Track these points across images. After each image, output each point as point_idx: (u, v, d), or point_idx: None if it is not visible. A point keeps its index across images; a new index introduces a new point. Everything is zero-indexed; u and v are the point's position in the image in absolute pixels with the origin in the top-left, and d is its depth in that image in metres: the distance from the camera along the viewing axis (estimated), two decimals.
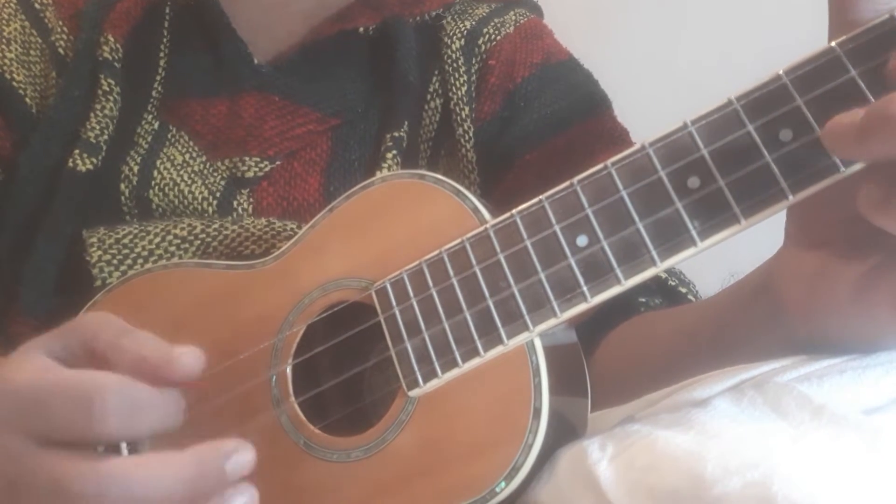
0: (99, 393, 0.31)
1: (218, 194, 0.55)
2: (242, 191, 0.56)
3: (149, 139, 0.57)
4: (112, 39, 0.57)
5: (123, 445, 0.34)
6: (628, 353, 0.50)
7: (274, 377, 0.42)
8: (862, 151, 0.30)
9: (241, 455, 0.33)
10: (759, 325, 0.39)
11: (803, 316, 0.36)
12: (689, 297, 0.53)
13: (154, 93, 0.58)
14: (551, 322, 0.37)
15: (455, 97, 0.58)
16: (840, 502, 0.28)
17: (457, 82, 0.58)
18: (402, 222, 0.41)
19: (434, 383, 0.38)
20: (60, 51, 0.58)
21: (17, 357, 0.35)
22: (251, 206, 0.55)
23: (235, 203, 0.55)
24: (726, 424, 0.33)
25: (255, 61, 0.59)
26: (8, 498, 0.32)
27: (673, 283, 0.53)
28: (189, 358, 0.34)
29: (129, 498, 0.30)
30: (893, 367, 0.34)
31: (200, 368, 0.34)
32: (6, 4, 0.59)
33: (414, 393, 0.39)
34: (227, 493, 0.33)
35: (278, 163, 0.57)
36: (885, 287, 0.33)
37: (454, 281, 0.38)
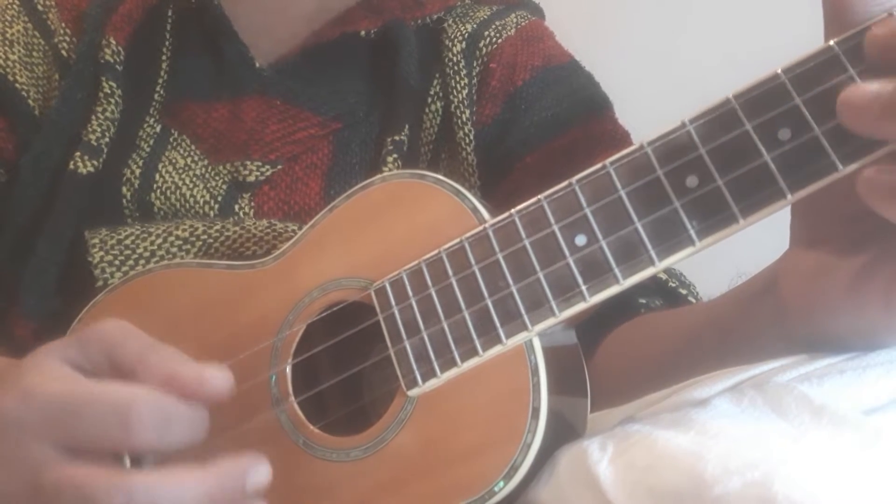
0: (135, 405, 0.32)
1: (219, 198, 0.56)
2: (244, 195, 0.56)
3: (150, 142, 0.57)
4: (114, 42, 0.57)
5: (126, 458, 0.34)
6: (629, 354, 0.50)
7: (273, 377, 0.42)
8: (888, 129, 0.29)
9: (259, 472, 0.33)
10: (762, 325, 0.39)
11: (802, 313, 0.36)
12: (690, 298, 0.53)
13: (156, 96, 0.58)
14: (550, 321, 0.37)
15: (456, 100, 0.58)
16: (840, 502, 0.28)
17: (458, 85, 0.58)
18: (402, 222, 0.41)
19: (433, 383, 0.38)
20: (63, 53, 0.58)
21: (35, 365, 0.34)
22: (252, 210, 0.56)
23: (237, 207, 0.55)
24: (726, 424, 0.33)
25: (257, 65, 0.59)
26: None
27: (673, 285, 0.53)
28: (221, 381, 0.34)
29: None
30: (893, 366, 0.34)
31: (231, 390, 0.34)
32: (9, 6, 0.59)
33: (413, 392, 0.39)
34: None
35: (280, 167, 0.57)
36: (877, 281, 0.33)
37: (453, 280, 0.38)
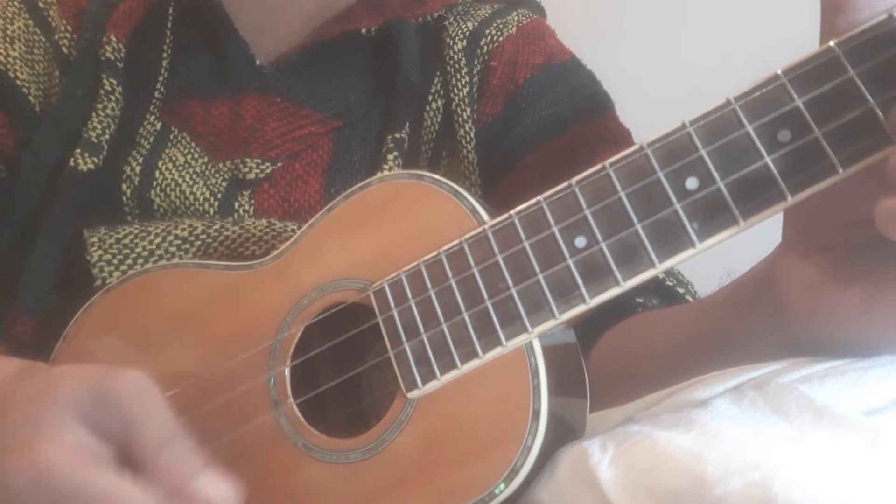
0: None
1: (219, 195, 0.55)
2: (244, 192, 0.56)
3: (151, 140, 0.57)
4: (114, 39, 0.57)
5: None
6: (625, 353, 0.50)
7: (272, 378, 0.42)
8: None
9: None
10: (759, 328, 0.39)
11: (808, 321, 0.36)
12: (687, 297, 0.53)
13: (156, 93, 0.58)
14: (550, 323, 0.36)
15: (457, 98, 0.58)
16: (841, 503, 0.27)
17: (458, 83, 0.58)
18: (401, 223, 0.41)
19: (433, 385, 0.38)
20: (64, 49, 0.58)
21: (52, 421, 0.33)
22: (252, 207, 0.56)
23: (237, 204, 0.55)
24: (727, 425, 0.33)
25: (258, 62, 0.59)
26: None
27: (671, 284, 0.53)
28: (226, 499, 0.33)
29: None
30: (895, 368, 0.33)
31: None
32: (10, 3, 0.59)
33: (413, 394, 0.39)
34: None
35: (280, 164, 0.57)
36: (890, 294, 0.32)
37: (452, 282, 0.38)
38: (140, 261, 0.51)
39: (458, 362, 0.38)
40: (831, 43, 0.32)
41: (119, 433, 0.34)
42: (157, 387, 0.34)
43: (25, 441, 0.33)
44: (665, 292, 0.53)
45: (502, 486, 0.36)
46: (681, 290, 0.53)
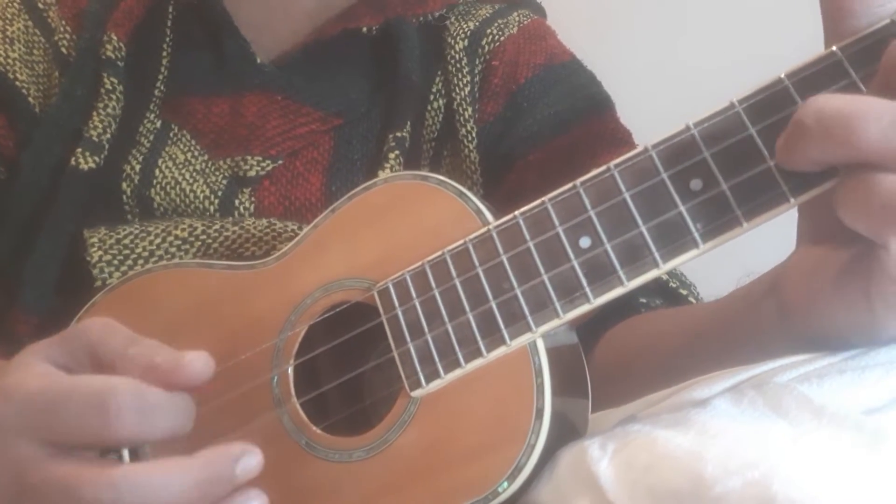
0: (113, 395, 0.31)
1: (220, 193, 0.55)
2: (244, 190, 0.56)
3: (151, 138, 0.57)
4: (115, 38, 0.57)
5: (125, 452, 0.34)
6: (629, 351, 0.50)
7: (275, 378, 0.42)
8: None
9: (249, 458, 0.33)
10: (765, 324, 0.39)
11: (801, 311, 0.36)
12: (690, 299, 0.53)
13: (157, 91, 0.58)
14: (554, 323, 0.37)
15: (458, 98, 0.58)
16: (840, 502, 0.28)
17: (460, 83, 0.58)
18: (405, 223, 0.41)
19: (436, 384, 0.38)
20: (63, 50, 0.58)
21: (18, 364, 0.34)
22: (253, 205, 0.56)
23: (237, 202, 0.55)
24: (726, 424, 0.33)
25: (258, 60, 0.59)
26: None
27: (674, 285, 0.53)
28: (199, 363, 0.34)
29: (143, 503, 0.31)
30: (894, 367, 0.34)
31: (210, 373, 0.34)
32: (9, 4, 0.59)
33: (416, 393, 0.39)
34: (236, 497, 0.33)
35: (280, 162, 0.57)
36: (858, 280, 0.33)
37: (457, 282, 0.38)
38: (140, 261, 0.51)
39: (462, 361, 0.38)
40: (834, 47, 0.32)
41: (86, 361, 0.34)
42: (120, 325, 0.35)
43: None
44: (668, 294, 0.53)
45: (505, 484, 0.36)
46: (684, 292, 0.53)
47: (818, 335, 0.36)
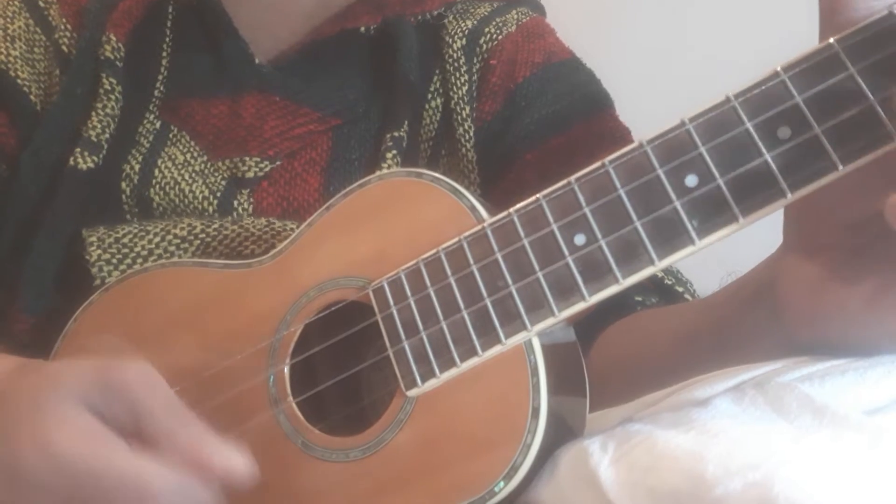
0: (160, 489, 0.32)
1: (218, 194, 0.55)
2: (243, 191, 0.56)
3: (150, 138, 0.57)
4: (114, 38, 0.57)
5: None
6: (625, 351, 0.50)
7: (272, 377, 0.42)
8: None
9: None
10: (759, 328, 0.39)
11: (807, 320, 0.36)
12: (686, 296, 0.53)
13: (156, 92, 0.58)
14: (549, 322, 0.36)
15: (456, 97, 0.58)
16: (841, 503, 0.27)
17: (458, 82, 0.58)
18: (400, 221, 0.41)
19: (432, 383, 0.38)
20: (64, 48, 0.58)
21: (55, 410, 0.33)
22: (251, 205, 0.56)
23: (236, 203, 0.55)
24: (727, 424, 0.33)
25: (257, 61, 0.59)
26: None
27: (670, 282, 0.53)
28: (244, 468, 0.34)
29: None
30: (895, 367, 0.33)
31: (252, 478, 0.34)
32: (10, 2, 0.59)
33: (412, 393, 0.39)
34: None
35: (278, 163, 0.57)
36: (892, 296, 0.32)
37: (452, 280, 0.38)
38: (139, 260, 0.51)
39: (457, 360, 0.38)
40: (831, 40, 0.31)
41: (127, 420, 0.34)
42: (161, 376, 0.34)
43: (33, 428, 0.33)
44: (664, 291, 0.53)
45: (501, 484, 0.36)
46: (679, 289, 0.53)
47: (819, 342, 0.35)
